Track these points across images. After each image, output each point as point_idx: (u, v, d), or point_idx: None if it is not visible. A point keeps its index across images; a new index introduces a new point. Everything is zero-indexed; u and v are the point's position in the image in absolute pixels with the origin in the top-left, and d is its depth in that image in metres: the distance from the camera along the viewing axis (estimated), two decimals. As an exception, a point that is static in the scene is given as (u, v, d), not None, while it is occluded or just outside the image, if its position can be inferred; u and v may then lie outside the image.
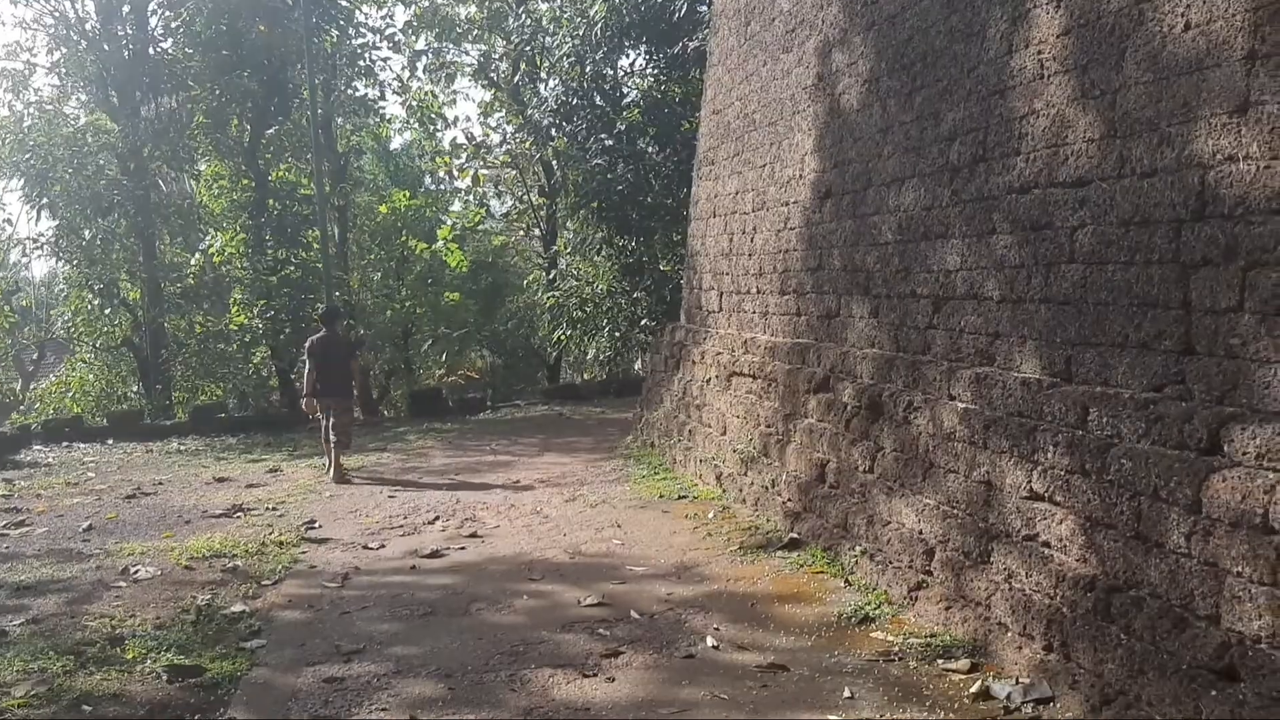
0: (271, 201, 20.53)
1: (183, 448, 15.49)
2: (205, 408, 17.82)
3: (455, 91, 35.61)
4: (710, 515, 8.61)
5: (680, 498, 9.50)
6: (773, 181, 9.66)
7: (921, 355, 6.65)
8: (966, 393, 5.83)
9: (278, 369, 20.42)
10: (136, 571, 7.80)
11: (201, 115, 18.94)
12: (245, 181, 20.50)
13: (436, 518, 9.47)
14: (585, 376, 28.69)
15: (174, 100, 18.48)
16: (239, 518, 9.95)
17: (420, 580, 7.35)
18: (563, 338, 20.21)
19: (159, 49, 19.48)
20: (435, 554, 8.03)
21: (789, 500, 7.90)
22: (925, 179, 6.70)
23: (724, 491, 9.26)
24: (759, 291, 9.93)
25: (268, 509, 10.30)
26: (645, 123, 18.89)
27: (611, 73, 19.99)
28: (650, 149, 19.20)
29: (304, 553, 8.41)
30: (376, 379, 25.70)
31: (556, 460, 12.52)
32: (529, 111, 20.73)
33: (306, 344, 12.29)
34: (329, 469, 11.91)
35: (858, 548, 6.63)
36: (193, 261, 21.55)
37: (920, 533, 6.06)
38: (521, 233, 28.14)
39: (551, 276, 21.84)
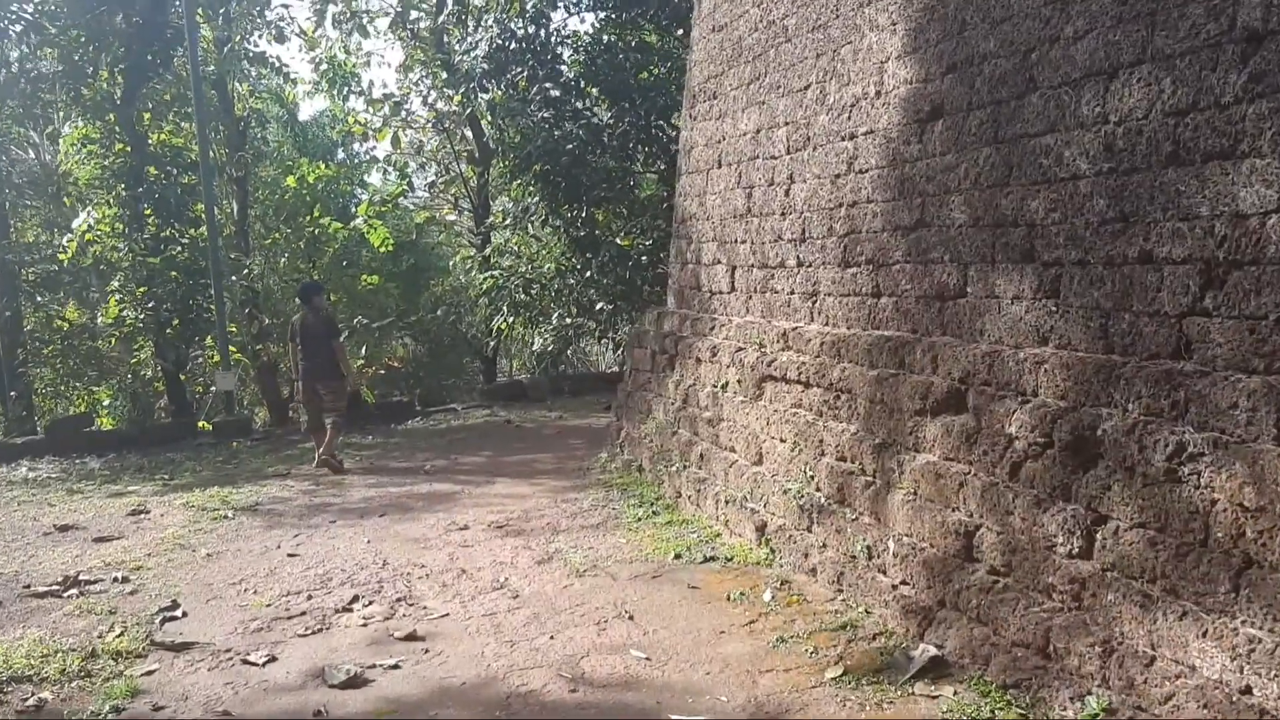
0: (152, 169, 17.17)
1: (32, 475, 12.25)
2: (65, 421, 14.50)
3: (369, 54, 32.25)
4: (767, 597, 5.79)
5: (708, 560, 6.67)
6: (823, 108, 6.85)
7: (1173, 361, 3.92)
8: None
9: (164, 370, 17.11)
10: None
11: (56, 60, 15.45)
12: (120, 146, 17.09)
13: (355, 598, 6.53)
14: (528, 372, 25.75)
15: (24, 44, 15.04)
16: (72, 597, 6.94)
17: (328, 747, 4.47)
18: (503, 326, 17.21)
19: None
20: (354, 681, 5.10)
21: (907, 584, 5.13)
22: (1173, 63, 3.95)
23: (773, 553, 6.45)
24: (801, 264, 7.14)
25: (116, 580, 7.27)
26: (588, 76, 15.94)
27: (554, 14, 17.00)
28: (592, 108, 16.28)
29: (151, 672, 5.47)
30: (285, 376, 22.48)
31: (513, 490, 9.61)
32: (456, 59, 17.60)
33: (289, 326, 11.86)
34: (317, 459, 11.11)
35: (1093, 698, 3.87)
36: (65, 243, 18.11)
37: (1247, 691, 3.33)
38: (448, 207, 24.93)
39: (486, 254, 18.79)
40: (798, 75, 7.27)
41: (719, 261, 8.72)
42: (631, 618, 5.70)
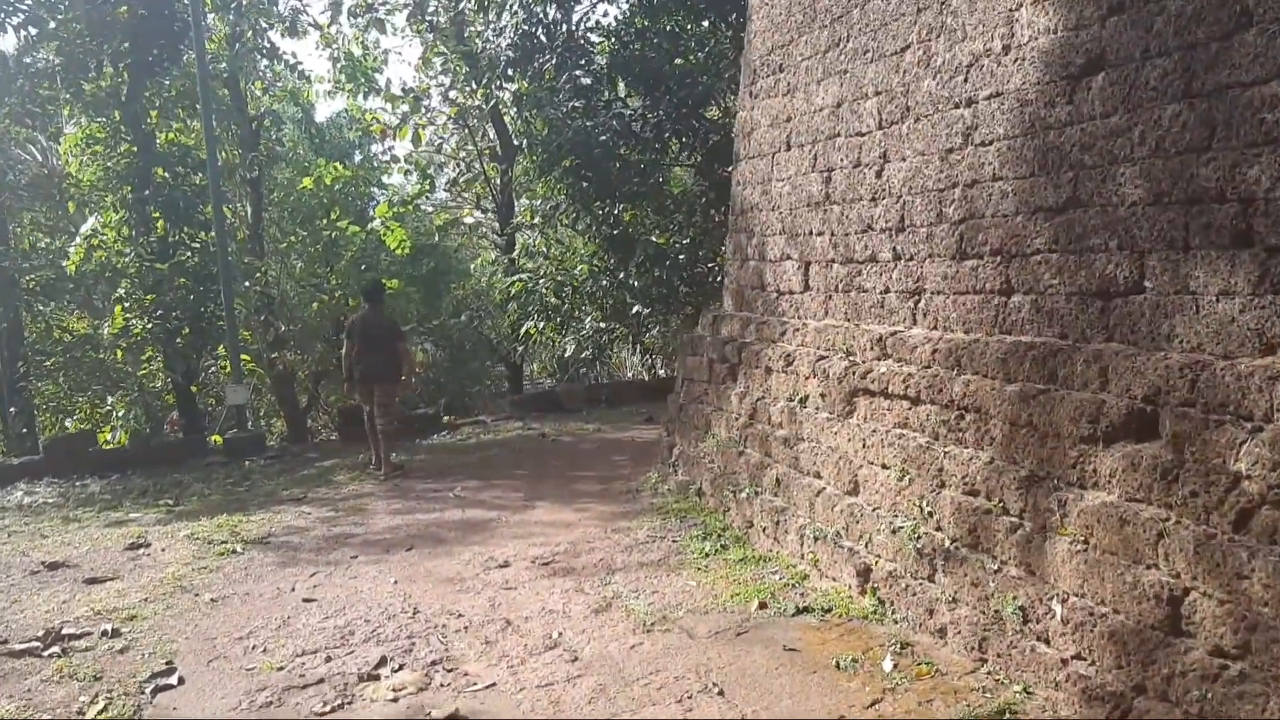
0: (160, 170, 16.19)
1: (28, 500, 11.28)
2: (66, 440, 13.50)
3: (386, 51, 31.34)
4: (888, 666, 4.70)
5: (801, 612, 5.58)
6: (927, 71, 5.78)
7: None
8: None
9: (174, 383, 16.13)
10: None
11: (54, 54, 14.46)
12: (126, 146, 16.14)
13: (382, 659, 5.49)
14: (549, 376, 24.71)
15: (21, 36, 14.07)
16: (54, 656, 5.95)
17: None
18: (532, 330, 16.17)
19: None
20: (383, 786, 4.08)
21: (1084, 659, 4.03)
22: None
23: (883, 605, 5.37)
24: (898, 257, 6.07)
25: (105, 634, 6.27)
26: (619, 64, 14.87)
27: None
28: (624, 98, 15.20)
29: (134, 765, 4.45)
30: (304, 384, 21.52)
31: (556, 516, 8.56)
32: (479, 48, 16.54)
33: (346, 323, 11.80)
34: (377, 465, 11.03)
35: None
36: (71, 249, 17.19)
37: None
38: (469, 207, 23.92)
39: (513, 257, 17.74)
40: (891, 36, 6.20)
41: (788, 257, 7.65)
42: (721, 693, 4.63)
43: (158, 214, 15.94)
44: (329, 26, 21.24)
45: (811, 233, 7.24)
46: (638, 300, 15.48)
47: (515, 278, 16.42)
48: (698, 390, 8.84)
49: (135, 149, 15.90)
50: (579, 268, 15.72)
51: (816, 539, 6.13)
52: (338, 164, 21.06)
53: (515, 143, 19.79)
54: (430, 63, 20.05)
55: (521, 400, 15.50)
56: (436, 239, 23.53)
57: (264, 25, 19.70)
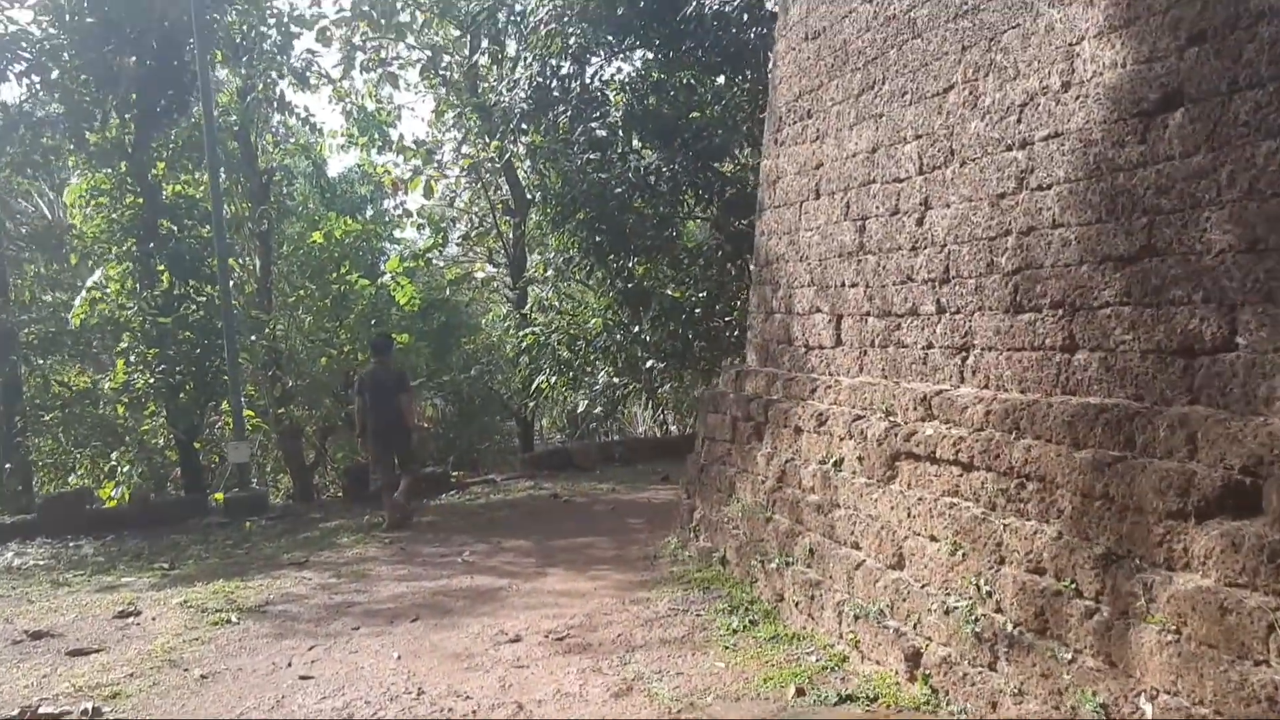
0: (166, 222, 15.91)
1: (19, 561, 10.82)
2: (60, 499, 13.05)
3: (399, 106, 31.28)
4: (949, 770, 4.21)
5: (843, 700, 5.06)
6: (974, 113, 5.39)
7: None
8: None
9: (176, 440, 15.70)
10: None
11: (56, 104, 14.22)
12: (131, 198, 15.86)
13: (382, 750, 5.02)
14: (559, 431, 24.23)
15: (24, 84, 13.86)
16: (23, 744, 5.48)
17: None
18: (544, 385, 15.73)
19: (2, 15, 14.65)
20: None
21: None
22: None
23: (936, 695, 4.86)
24: (943, 309, 5.65)
25: (85, 714, 5.81)
26: (635, 117, 14.58)
27: (596, 57, 15.69)
28: (639, 150, 14.89)
29: None
30: (311, 440, 21.07)
31: (570, 585, 8.07)
32: (494, 99, 16.28)
33: (356, 379, 11.77)
34: (388, 520, 10.91)
35: None
36: (76, 303, 16.86)
37: None
38: (480, 261, 23.61)
39: (525, 312, 17.33)
40: (933, 76, 5.82)
41: (818, 310, 7.24)
42: (763, 799, 4.14)
43: (163, 267, 15.63)
44: (341, 80, 21.13)
45: (844, 284, 6.83)
46: (651, 355, 15.06)
47: (528, 331, 16.01)
48: (720, 450, 8.38)
49: (141, 200, 15.64)
50: (592, 321, 15.31)
51: (857, 617, 5.64)
52: (348, 218, 20.81)
53: (528, 197, 19.52)
54: (443, 116, 19.82)
55: (533, 459, 15.01)
56: (447, 294, 23.28)
57: (275, 77, 19.53)
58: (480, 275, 23.53)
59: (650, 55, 15.53)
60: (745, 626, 6.41)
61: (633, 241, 14.61)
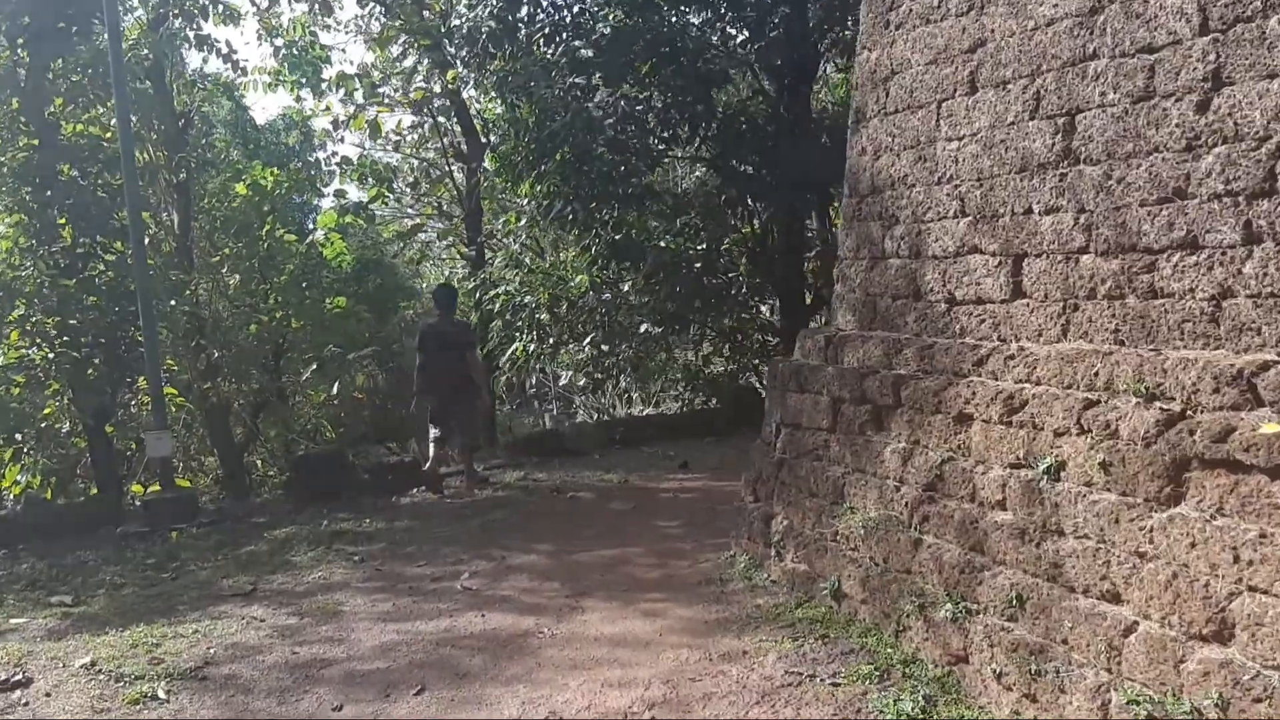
0: (66, 168, 13.42)
1: None
2: (-64, 507, 10.63)
3: (330, 48, 28.54)
4: None
5: None
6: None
7: None
8: None
9: (85, 426, 13.28)
10: None
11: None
12: (24, 140, 13.35)
13: None
14: (511, 404, 22.08)
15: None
16: None
17: None
18: (520, 353, 13.53)
19: None
20: None
21: None
22: None
23: None
24: (1255, 238, 3.66)
25: None
26: (626, 36, 12.36)
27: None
28: (629, 79, 12.70)
29: None
30: (239, 416, 18.66)
31: (620, 625, 5.99)
32: (454, 23, 13.90)
33: (417, 334, 11.06)
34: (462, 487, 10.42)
35: None
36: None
37: None
38: (429, 210, 21.22)
39: (488, 275, 15.01)
40: (1232, -118, 3.80)
41: (975, 249, 5.22)
42: None
43: (64, 220, 13.12)
44: (268, 9, 18.47)
45: (1031, 210, 4.82)
46: (647, 318, 12.98)
47: (497, 291, 13.78)
48: (812, 441, 6.34)
49: (36, 141, 13.10)
50: (576, 279, 13.13)
51: (1133, 705, 3.66)
52: (273, 170, 18.40)
53: (483, 141, 17.18)
54: (386, 43, 17.32)
55: (519, 442, 12.79)
56: (394, 254, 20.99)
57: (193, 8, 16.89)
58: (430, 231, 21.18)
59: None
60: (921, 709, 4.41)
61: (622, 186, 12.46)
